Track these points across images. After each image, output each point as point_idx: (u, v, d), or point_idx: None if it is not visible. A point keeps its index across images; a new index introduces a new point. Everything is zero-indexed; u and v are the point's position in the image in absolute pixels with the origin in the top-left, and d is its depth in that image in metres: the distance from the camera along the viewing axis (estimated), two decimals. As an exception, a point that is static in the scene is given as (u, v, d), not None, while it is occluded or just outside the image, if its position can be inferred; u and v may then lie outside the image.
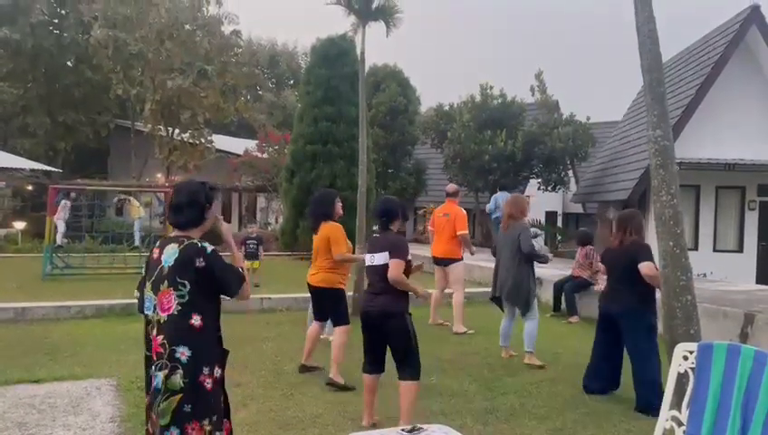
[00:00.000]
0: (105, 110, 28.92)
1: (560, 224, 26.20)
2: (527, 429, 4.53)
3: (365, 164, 9.10)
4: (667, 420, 2.87)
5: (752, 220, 15.04)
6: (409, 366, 4.21)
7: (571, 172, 20.29)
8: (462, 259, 8.22)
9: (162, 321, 2.81)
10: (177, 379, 2.75)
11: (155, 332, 2.82)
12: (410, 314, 4.30)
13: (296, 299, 9.22)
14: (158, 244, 3.00)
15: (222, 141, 26.94)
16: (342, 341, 5.43)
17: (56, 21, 28.18)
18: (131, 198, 18.19)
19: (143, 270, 3.03)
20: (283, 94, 37.81)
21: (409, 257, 4.34)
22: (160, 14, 23.05)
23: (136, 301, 3.06)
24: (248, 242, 11.23)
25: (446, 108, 20.46)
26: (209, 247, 2.88)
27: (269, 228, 21.18)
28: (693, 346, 2.92)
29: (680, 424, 2.82)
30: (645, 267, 4.95)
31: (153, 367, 2.82)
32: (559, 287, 9.33)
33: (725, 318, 6.70)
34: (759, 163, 13.75)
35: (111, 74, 24.45)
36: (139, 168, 26.88)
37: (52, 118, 27.31)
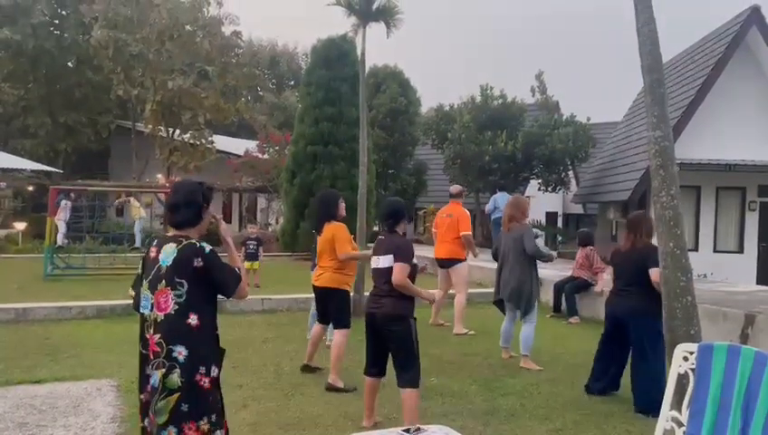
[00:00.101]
0: (106, 110, 28.95)
1: (560, 224, 26.22)
2: (527, 429, 4.54)
3: (365, 165, 9.10)
4: (667, 421, 2.87)
5: (752, 221, 15.04)
6: (409, 372, 4.17)
7: (571, 173, 20.29)
8: (465, 260, 8.19)
9: (159, 320, 2.82)
10: (175, 378, 2.76)
11: (152, 330, 2.83)
12: (415, 319, 4.27)
13: (296, 300, 9.23)
14: (155, 243, 3.01)
15: (222, 142, 26.96)
16: (342, 344, 5.39)
17: (57, 22, 28.23)
18: (132, 199, 18.22)
19: (139, 268, 3.04)
20: (283, 95, 37.81)
21: (415, 261, 4.31)
22: (161, 15, 23.07)
23: None
24: (248, 243, 11.23)
25: (447, 109, 20.46)
26: (207, 248, 2.89)
27: (269, 229, 21.18)
28: (693, 347, 2.92)
29: (680, 425, 2.82)
30: (655, 274, 4.85)
31: (150, 366, 2.82)
32: (559, 288, 9.33)
33: (726, 319, 6.69)
34: (759, 164, 13.75)
35: (112, 75, 24.50)
36: (140, 168, 26.90)
37: (52, 119, 27.34)
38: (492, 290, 7.66)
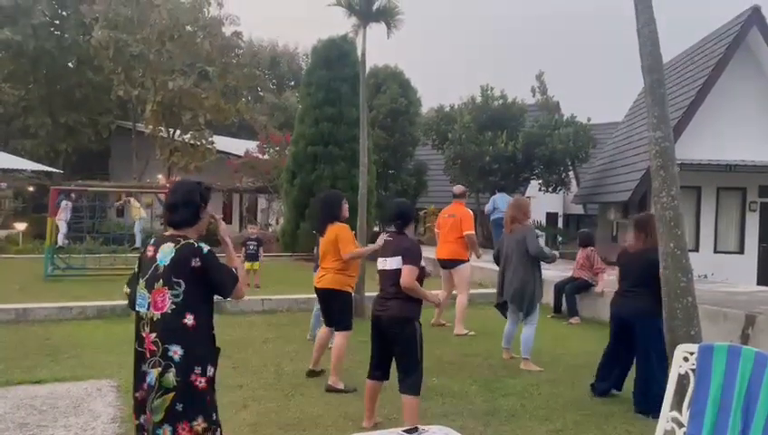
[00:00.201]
0: (106, 111, 28.96)
1: (560, 225, 26.22)
2: (528, 430, 4.53)
3: (366, 165, 9.10)
4: (667, 422, 2.87)
5: (753, 221, 15.04)
6: (411, 377, 4.13)
7: (571, 173, 20.30)
8: (468, 261, 8.16)
9: (155, 319, 2.83)
10: (171, 377, 2.77)
11: (148, 329, 2.84)
12: (420, 324, 4.24)
13: (296, 300, 9.23)
14: (152, 241, 3.02)
15: (223, 142, 26.97)
16: (343, 345, 5.35)
17: (57, 22, 28.24)
18: (132, 199, 18.23)
19: (135, 267, 3.04)
20: (283, 95, 37.81)
21: (423, 264, 4.26)
22: (161, 16, 23.08)
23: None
24: (248, 243, 11.23)
25: (447, 109, 20.47)
26: (205, 248, 2.90)
27: (270, 229, 21.18)
28: (693, 347, 2.91)
29: (681, 425, 2.82)
30: None
31: (146, 364, 2.84)
32: (559, 289, 9.33)
33: (726, 320, 6.69)
34: (760, 164, 13.75)
35: (113, 75, 24.50)
36: (141, 169, 26.92)
37: (53, 119, 27.35)
38: (493, 291, 7.67)
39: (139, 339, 2.89)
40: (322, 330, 5.76)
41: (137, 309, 2.93)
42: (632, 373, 5.19)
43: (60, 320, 8.10)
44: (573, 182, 21.50)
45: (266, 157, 21.43)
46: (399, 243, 4.30)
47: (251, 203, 26.18)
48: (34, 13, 26.03)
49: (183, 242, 2.88)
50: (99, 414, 4.65)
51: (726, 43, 14.13)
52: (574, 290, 9.11)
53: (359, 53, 9.70)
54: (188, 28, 24.57)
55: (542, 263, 6.35)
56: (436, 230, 8.53)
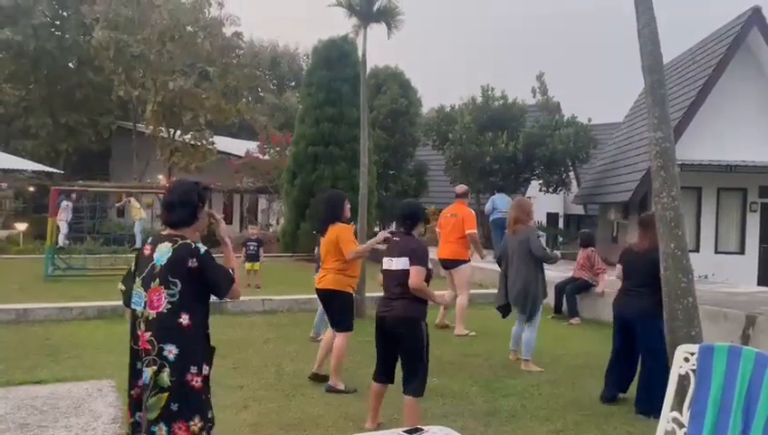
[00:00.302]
0: (107, 111, 28.97)
1: (561, 225, 26.23)
2: (528, 430, 4.54)
3: (366, 166, 9.10)
4: (668, 422, 2.87)
5: (753, 222, 15.02)
6: (415, 379, 4.11)
7: (572, 174, 20.30)
8: (469, 261, 8.14)
9: (151, 318, 2.84)
10: (165, 377, 2.79)
11: (143, 327, 2.86)
12: (427, 325, 4.22)
13: (297, 301, 9.23)
14: (150, 240, 3.03)
15: (223, 143, 26.97)
16: (343, 346, 5.32)
17: (58, 23, 28.25)
18: (132, 200, 18.25)
19: (132, 265, 3.05)
20: (284, 96, 37.82)
21: (430, 266, 4.25)
22: (162, 16, 23.09)
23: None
24: (249, 244, 11.23)
25: (448, 109, 20.47)
26: (202, 248, 2.91)
27: (270, 230, 21.19)
28: (694, 348, 2.91)
29: (681, 426, 2.82)
30: None
31: (141, 362, 2.85)
32: (560, 289, 9.33)
33: (727, 320, 6.69)
34: (760, 165, 13.74)
35: (113, 76, 24.50)
36: (141, 169, 26.93)
37: (54, 119, 27.36)
38: (494, 291, 7.65)
39: (134, 337, 2.91)
40: (329, 333, 5.67)
41: (132, 307, 2.94)
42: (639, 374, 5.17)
43: (60, 320, 8.10)
44: (574, 183, 21.50)
45: (267, 157, 21.43)
46: (406, 244, 4.27)
47: (251, 203, 26.19)
48: (35, 13, 26.04)
49: (180, 242, 2.90)
50: (99, 414, 4.65)
51: (727, 43, 14.12)
52: (575, 290, 9.11)
53: (359, 53, 9.71)
54: (189, 28, 24.57)
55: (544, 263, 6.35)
56: (437, 230, 8.51)
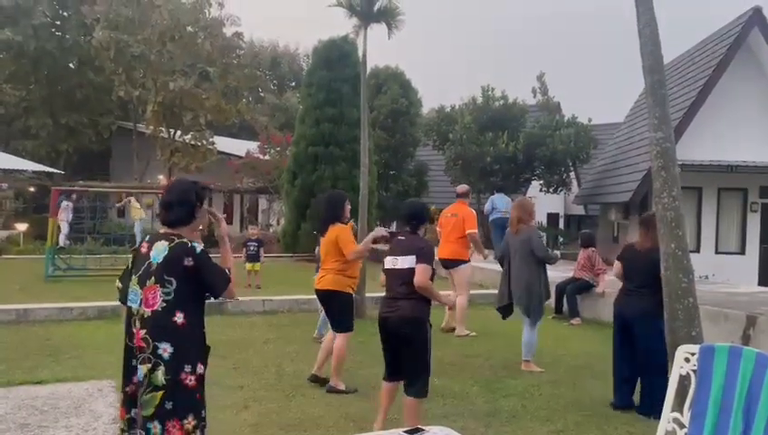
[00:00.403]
0: (107, 111, 29.01)
1: (561, 226, 26.21)
2: (529, 431, 4.53)
3: (367, 166, 9.10)
4: (668, 423, 2.87)
5: (754, 222, 15.02)
6: (418, 381, 4.10)
7: (572, 174, 20.28)
8: (469, 261, 8.12)
9: (146, 316, 2.85)
10: (159, 375, 2.80)
11: (138, 325, 2.87)
12: (431, 326, 4.20)
13: (297, 301, 9.23)
14: (147, 239, 3.04)
15: (224, 143, 26.99)
16: (343, 347, 5.31)
17: (58, 23, 28.28)
18: (132, 200, 18.26)
19: (129, 263, 3.06)
20: (284, 96, 37.83)
21: (434, 266, 4.24)
22: (162, 16, 23.11)
23: None
24: (249, 244, 11.23)
25: (448, 110, 20.47)
26: (199, 247, 2.92)
27: (270, 230, 21.19)
28: (694, 348, 2.91)
29: (682, 426, 2.82)
30: None
31: (135, 359, 2.86)
32: (561, 289, 9.32)
33: (727, 320, 6.69)
34: (761, 165, 13.74)
35: (113, 76, 24.53)
36: (141, 169, 26.95)
37: (54, 120, 27.39)
38: (494, 292, 7.64)
39: (129, 334, 2.92)
40: (329, 335, 5.63)
41: (128, 304, 2.95)
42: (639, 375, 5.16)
43: (61, 320, 8.10)
44: (574, 183, 21.48)
45: (267, 157, 21.45)
46: (412, 242, 4.24)
47: (252, 204, 26.20)
48: (35, 13, 26.07)
49: (177, 241, 2.91)
50: (100, 414, 4.65)
51: (727, 43, 14.12)
52: (575, 291, 9.10)
53: (359, 53, 9.72)
54: (189, 29, 24.60)
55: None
56: (437, 229, 8.51)
